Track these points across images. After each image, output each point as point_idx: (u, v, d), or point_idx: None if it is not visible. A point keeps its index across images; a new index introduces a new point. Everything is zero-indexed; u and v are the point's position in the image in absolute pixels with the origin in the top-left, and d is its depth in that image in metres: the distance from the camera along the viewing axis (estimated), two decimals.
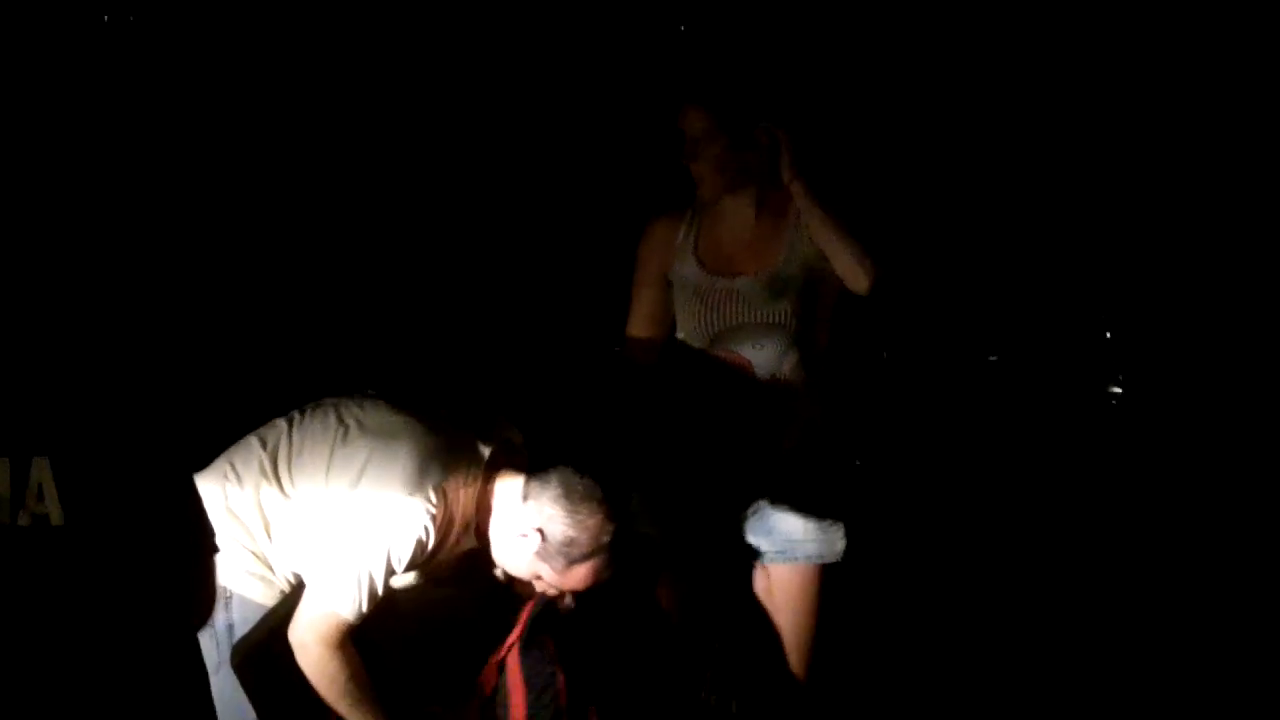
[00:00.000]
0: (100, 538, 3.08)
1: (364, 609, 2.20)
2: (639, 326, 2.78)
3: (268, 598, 2.34)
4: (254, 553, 2.32)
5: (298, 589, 2.31)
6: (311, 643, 2.21)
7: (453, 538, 2.31)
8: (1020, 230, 4.12)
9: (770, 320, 2.62)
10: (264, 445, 2.34)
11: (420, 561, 2.27)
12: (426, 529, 2.21)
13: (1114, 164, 4.07)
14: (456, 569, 2.45)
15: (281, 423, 2.38)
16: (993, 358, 4.17)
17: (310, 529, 2.27)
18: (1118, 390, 4.13)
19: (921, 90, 4.04)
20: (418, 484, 2.20)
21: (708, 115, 2.61)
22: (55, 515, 2.97)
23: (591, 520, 2.27)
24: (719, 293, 2.65)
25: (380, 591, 2.21)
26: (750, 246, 2.67)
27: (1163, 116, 4.02)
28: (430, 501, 2.21)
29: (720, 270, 2.67)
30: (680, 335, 2.76)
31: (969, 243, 4.19)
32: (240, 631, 2.32)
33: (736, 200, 2.66)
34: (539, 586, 2.40)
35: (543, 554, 2.30)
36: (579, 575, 2.33)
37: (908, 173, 4.07)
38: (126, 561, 3.05)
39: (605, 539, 2.29)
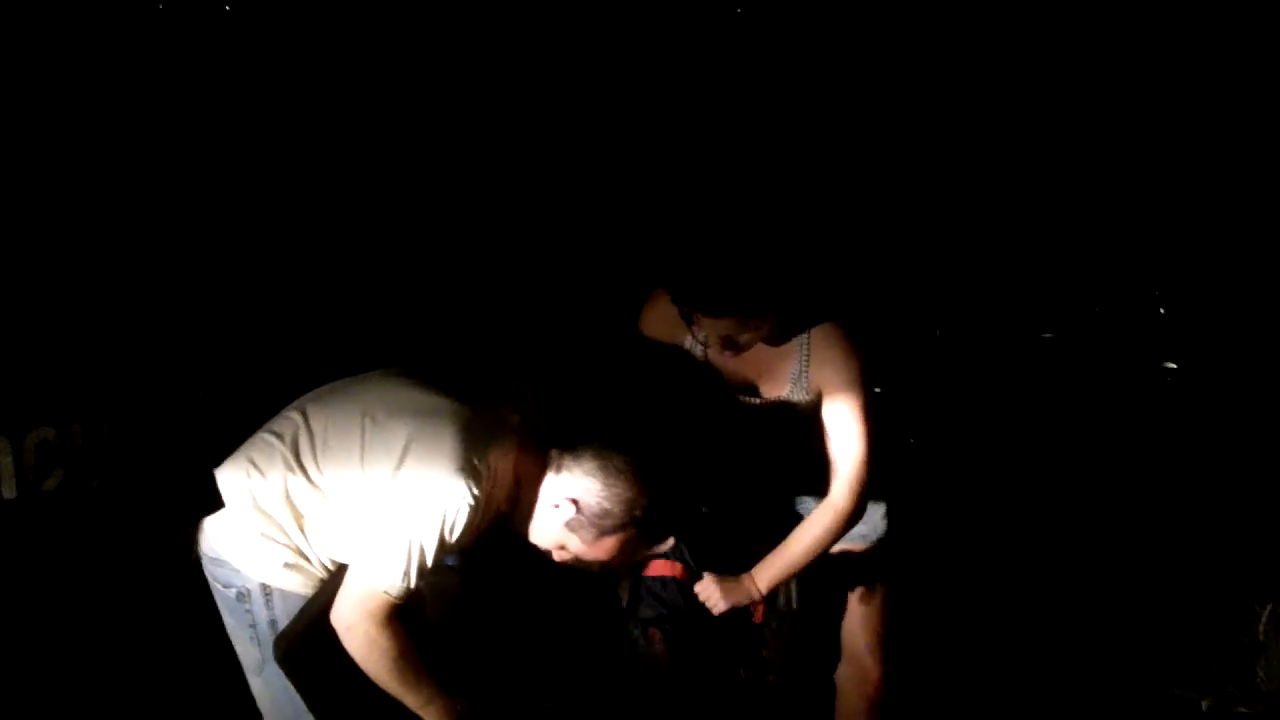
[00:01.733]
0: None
1: (411, 584, 2.18)
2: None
3: (307, 587, 2.29)
4: (287, 545, 2.28)
5: (336, 575, 2.28)
6: (359, 621, 2.18)
7: (493, 509, 2.29)
8: (1072, 206, 4.12)
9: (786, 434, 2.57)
10: (282, 439, 2.27)
11: (470, 537, 2.24)
12: (477, 501, 2.19)
13: (1168, 144, 4.06)
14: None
15: (294, 414, 2.31)
16: (1047, 335, 4.19)
17: (350, 515, 2.24)
18: (1172, 366, 4.14)
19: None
20: (465, 460, 2.16)
21: (735, 322, 2.39)
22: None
23: (628, 493, 2.26)
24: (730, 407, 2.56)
25: (429, 567, 2.18)
26: (756, 370, 2.53)
27: (1207, 94, 4.00)
28: (479, 476, 2.17)
29: (731, 382, 2.55)
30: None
31: (1021, 220, 4.20)
32: (284, 626, 2.28)
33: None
34: (558, 557, 2.35)
35: (574, 525, 2.28)
36: (607, 547, 2.31)
37: (957, 149, 4.09)
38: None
39: (638, 513, 2.28)
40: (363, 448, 2.23)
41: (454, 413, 2.23)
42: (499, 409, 2.31)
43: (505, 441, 2.27)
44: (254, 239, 3.36)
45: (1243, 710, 3.03)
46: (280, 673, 2.29)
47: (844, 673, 2.71)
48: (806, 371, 2.48)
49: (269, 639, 2.29)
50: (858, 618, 2.68)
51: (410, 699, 2.23)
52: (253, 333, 3.30)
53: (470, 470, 2.17)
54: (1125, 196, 4.19)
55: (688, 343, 2.50)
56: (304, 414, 2.32)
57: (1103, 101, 4.13)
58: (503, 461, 2.26)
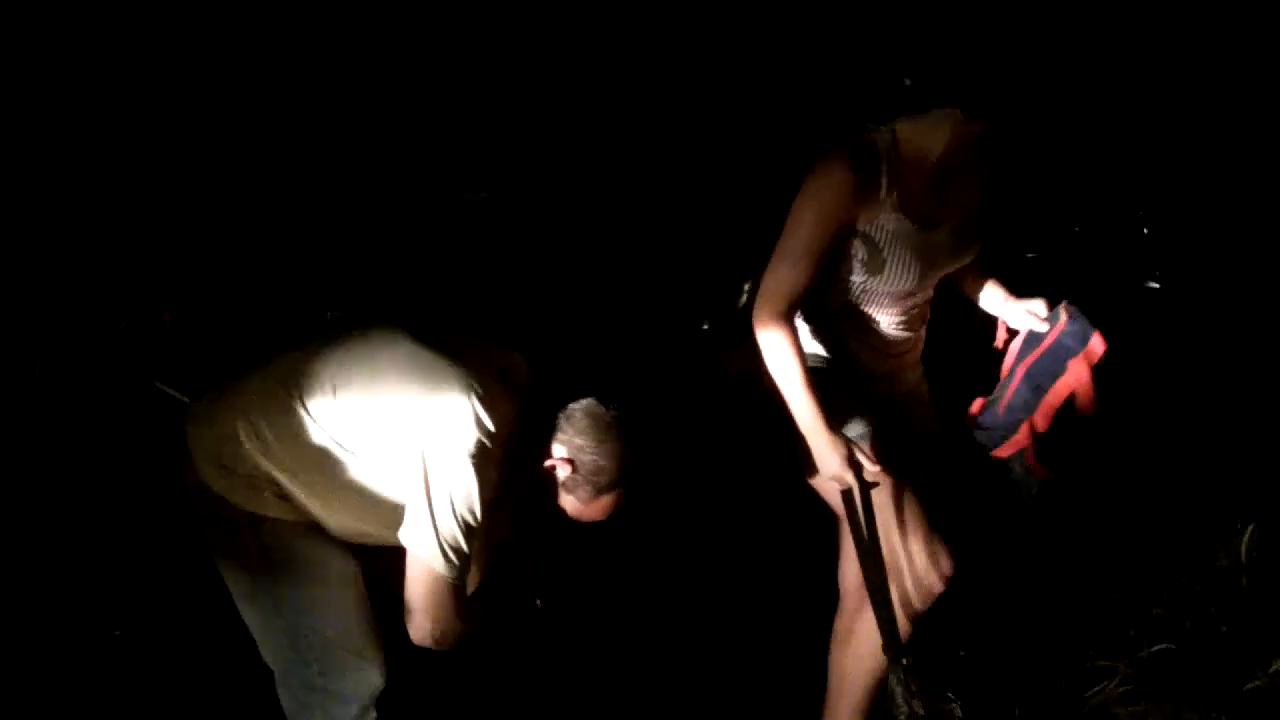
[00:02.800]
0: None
1: (467, 554, 2.21)
2: (794, 288, 2.54)
3: (297, 516, 2.33)
4: (278, 480, 2.29)
5: (329, 506, 2.32)
6: (431, 619, 2.24)
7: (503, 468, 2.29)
8: (1056, 127, 4.08)
9: (961, 267, 2.70)
10: (284, 384, 2.30)
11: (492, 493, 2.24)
12: (495, 451, 2.21)
13: (1151, 69, 4.02)
14: None
15: (295, 361, 2.33)
16: (1031, 255, 4.18)
17: (365, 468, 2.26)
18: (1154, 285, 4.14)
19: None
20: (478, 414, 2.20)
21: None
22: None
23: (619, 447, 2.28)
24: (924, 244, 2.59)
25: (477, 528, 2.21)
26: (945, 197, 2.60)
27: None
28: (493, 431, 2.21)
29: (923, 222, 2.58)
30: (851, 289, 2.64)
31: (1001, 142, 4.17)
32: (275, 555, 2.32)
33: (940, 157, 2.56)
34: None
35: (569, 484, 2.31)
36: (603, 505, 2.34)
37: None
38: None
39: (631, 466, 2.31)
40: (374, 402, 2.24)
41: (459, 369, 2.25)
42: (494, 368, 2.33)
43: (507, 401, 2.28)
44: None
45: (1224, 629, 3.08)
46: (272, 599, 2.33)
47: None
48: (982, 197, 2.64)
49: (261, 566, 2.32)
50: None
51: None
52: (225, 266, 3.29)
53: (484, 424, 2.19)
54: (1106, 114, 4.15)
55: (881, 191, 2.52)
56: (305, 361, 2.32)
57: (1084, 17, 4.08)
58: (507, 421, 2.27)
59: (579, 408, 2.32)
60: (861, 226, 2.54)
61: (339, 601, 2.36)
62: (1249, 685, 2.94)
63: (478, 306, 3.45)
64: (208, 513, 2.35)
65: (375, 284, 3.41)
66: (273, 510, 2.33)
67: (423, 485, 2.19)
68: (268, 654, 2.42)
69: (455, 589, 2.24)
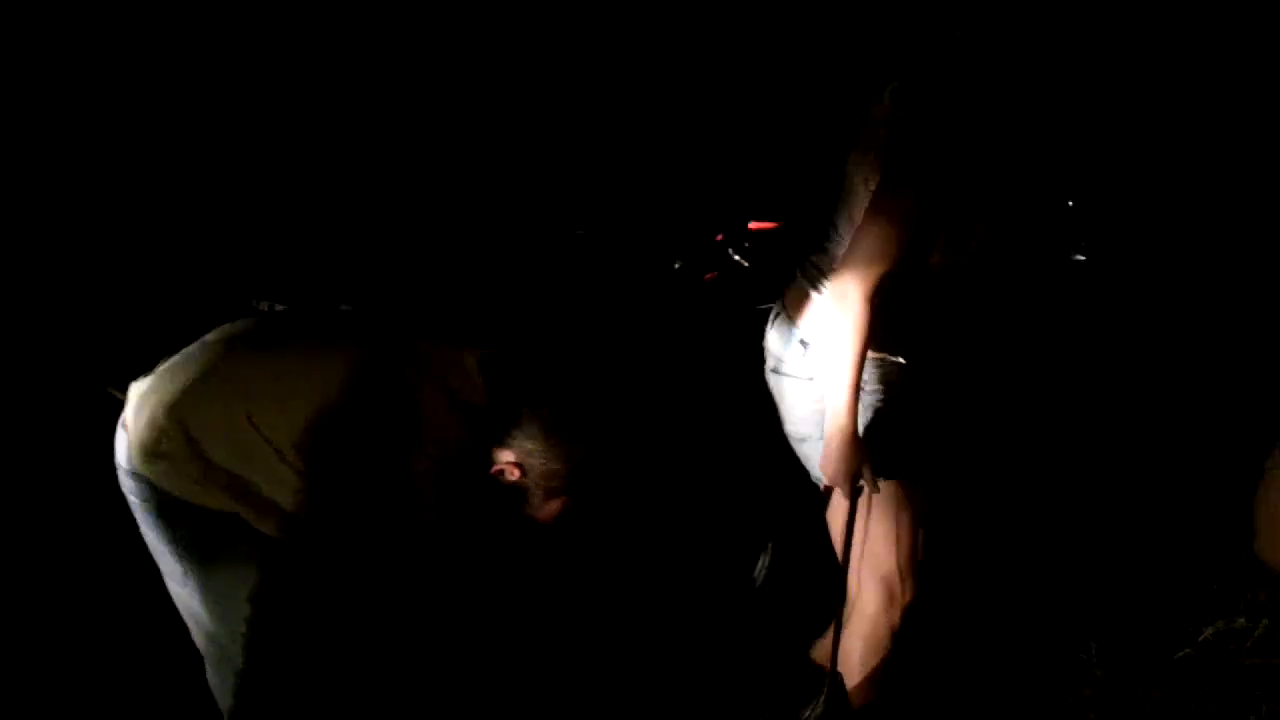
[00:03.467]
0: None
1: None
2: (896, 258, 2.25)
3: (223, 502, 2.30)
4: (203, 464, 2.26)
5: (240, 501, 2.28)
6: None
7: (443, 408, 2.25)
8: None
9: None
10: (214, 365, 2.30)
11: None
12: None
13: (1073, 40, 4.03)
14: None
15: (224, 342, 2.34)
16: None
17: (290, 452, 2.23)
18: (1081, 258, 4.15)
19: None
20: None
21: None
22: None
23: (570, 450, 2.25)
24: None
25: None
26: None
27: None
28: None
29: None
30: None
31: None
32: (206, 538, 2.28)
33: None
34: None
35: (521, 489, 2.30)
36: (553, 509, 2.33)
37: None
38: None
39: (582, 468, 2.27)
40: (295, 382, 2.24)
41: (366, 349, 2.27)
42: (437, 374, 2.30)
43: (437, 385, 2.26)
44: None
45: (1242, 622, 3.04)
46: (203, 582, 2.30)
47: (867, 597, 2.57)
48: None
49: (189, 551, 2.29)
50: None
51: None
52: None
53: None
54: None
55: None
56: (235, 343, 2.33)
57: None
58: (440, 407, 2.24)
59: (525, 411, 2.27)
60: None
61: (267, 588, 2.32)
62: (1180, 653, 2.93)
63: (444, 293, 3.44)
64: (141, 498, 2.32)
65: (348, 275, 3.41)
66: (206, 499, 2.29)
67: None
68: (197, 638, 2.40)
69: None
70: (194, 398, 2.27)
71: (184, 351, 2.37)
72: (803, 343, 2.42)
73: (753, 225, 4.50)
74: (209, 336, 2.39)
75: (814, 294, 2.41)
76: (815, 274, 2.42)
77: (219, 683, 2.40)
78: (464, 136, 3.77)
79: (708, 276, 4.37)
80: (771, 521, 3.50)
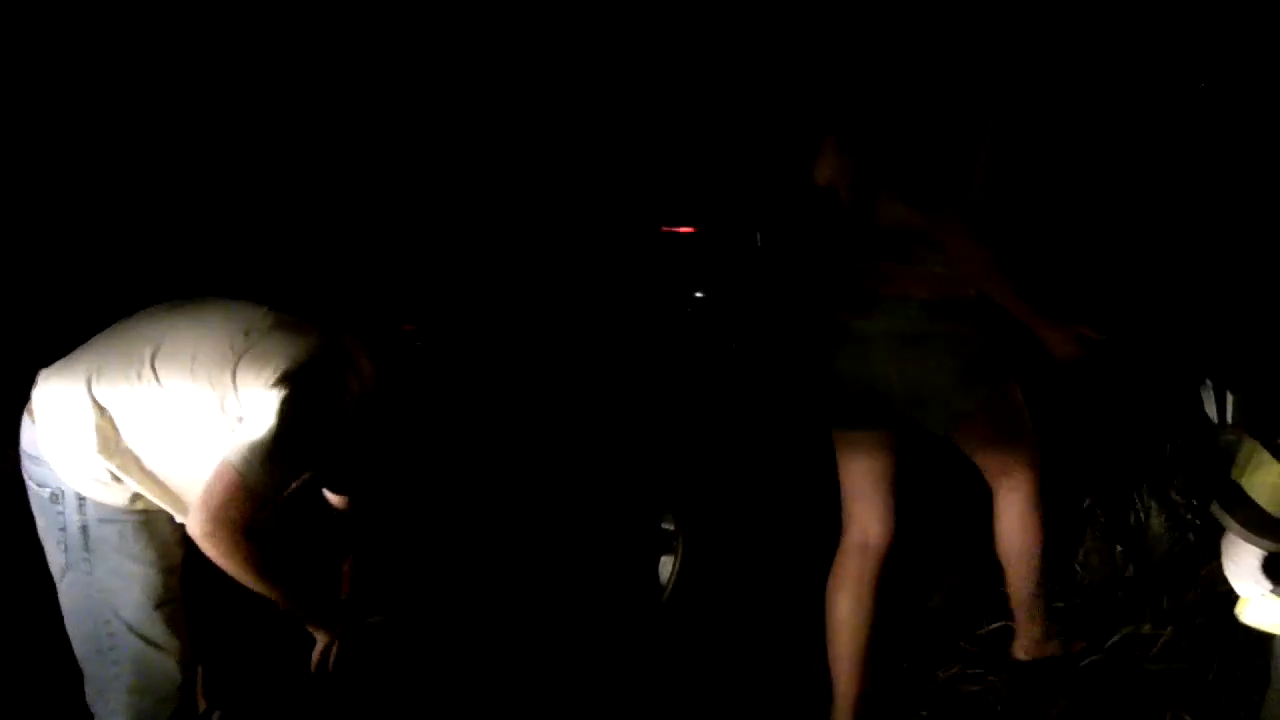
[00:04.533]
0: None
1: (274, 480, 2.20)
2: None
3: (120, 499, 2.30)
4: (105, 457, 2.26)
5: (155, 488, 2.29)
6: (219, 528, 2.18)
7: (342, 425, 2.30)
8: None
9: None
10: (123, 352, 2.28)
11: (337, 429, 2.27)
12: (328, 396, 2.24)
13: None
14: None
15: (134, 327, 2.32)
16: None
17: (194, 429, 2.23)
18: None
19: None
20: (308, 358, 2.23)
21: None
22: None
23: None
24: None
25: (292, 462, 2.22)
26: None
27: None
28: (324, 377, 2.24)
29: None
30: None
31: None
32: (97, 532, 2.28)
33: None
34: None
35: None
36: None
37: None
38: None
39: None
40: (235, 367, 2.22)
41: (315, 330, 2.30)
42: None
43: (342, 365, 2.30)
44: None
45: (1059, 605, 3.08)
46: (83, 579, 2.29)
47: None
48: None
49: (77, 544, 2.29)
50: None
51: (272, 594, 2.28)
52: None
53: (313, 368, 2.22)
54: None
55: None
56: (143, 327, 2.31)
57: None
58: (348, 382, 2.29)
59: None
60: None
61: (144, 588, 2.31)
62: (1086, 660, 2.94)
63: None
64: (38, 483, 2.33)
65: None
66: (95, 492, 2.29)
67: (258, 420, 2.19)
68: (72, 636, 2.37)
69: (251, 497, 2.18)
70: (104, 380, 2.25)
71: (94, 339, 2.35)
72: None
73: (665, 229, 4.47)
74: (120, 323, 2.36)
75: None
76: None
77: (90, 687, 2.35)
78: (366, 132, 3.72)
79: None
80: (677, 524, 3.47)
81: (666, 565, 3.52)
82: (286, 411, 2.17)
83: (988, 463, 2.72)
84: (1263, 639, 2.08)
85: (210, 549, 2.20)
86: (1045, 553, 2.79)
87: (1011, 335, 2.57)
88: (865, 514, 2.66)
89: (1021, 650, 2.92)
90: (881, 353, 2.55)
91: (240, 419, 2.20)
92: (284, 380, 2.18)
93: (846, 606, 2.64)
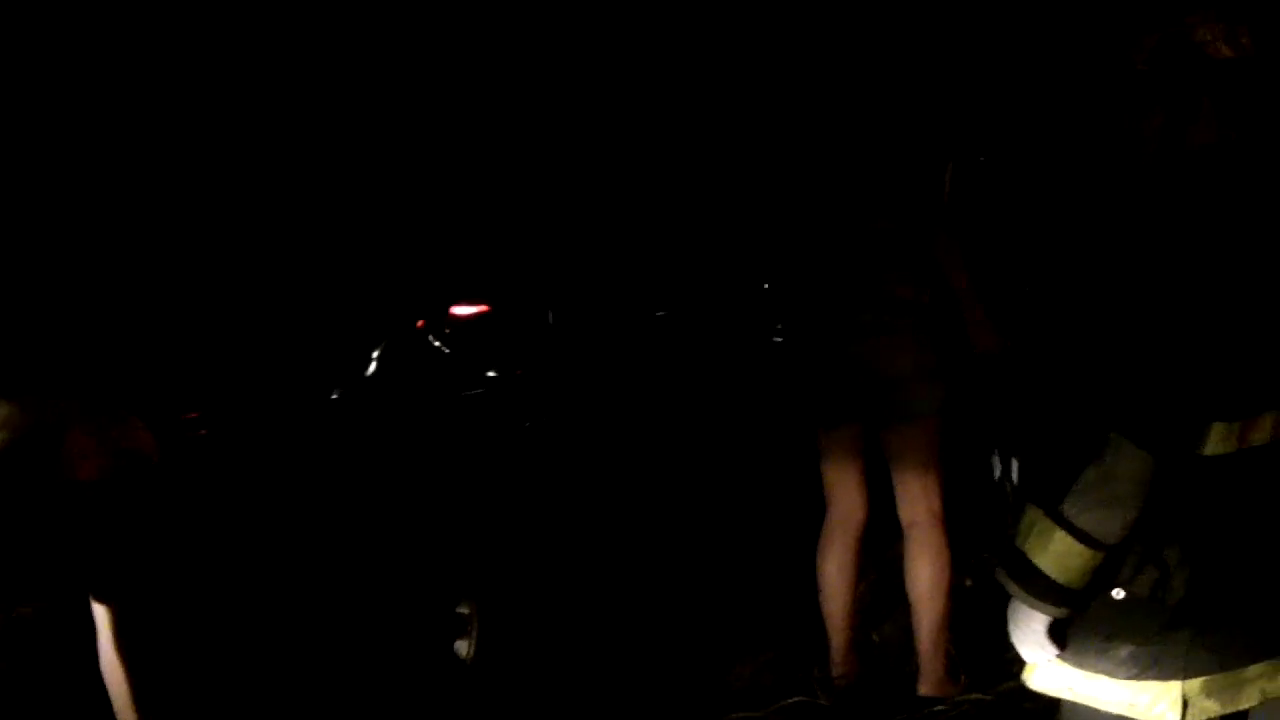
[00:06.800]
0: None
1: None
2: None
3: None
4: None
5: None
6: None
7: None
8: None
9: None
10: None
11: None
12: None
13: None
14: None
15: None
16: (660, 313, 4.27)
17: None
18: (779, 339, 4.31)
19: None
20: None
21: None
22: None
23: None
24: None
25: None
26: None
27: None
28: None
29: None
30: None
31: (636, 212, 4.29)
32: None
33: None
34: None
35: None
36: None
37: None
38: None
39: None
40: None
41: None
42: None
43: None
44: None
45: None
46: None
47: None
48: None
49: None
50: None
51: None
52: None
53: None
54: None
55: None
56: None
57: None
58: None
59: None
60: None
61: None
62: (1003, 685, 2.90)
63: None
64: None
65: None
66: None
67: None
68: None
69: None
70: None
71: None
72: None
73: (455, 311, 4.43)
74: None
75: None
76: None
77: None
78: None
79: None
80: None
81: (462, 648, 3.41)
82: None
83: (910, 480, 3.00)
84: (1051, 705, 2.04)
85: None
86: (953, 591, 3.00)
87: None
88: (845, 495, 3.04)
89: (927, 687, 2.98)
90: (868, 339, 2.91)
91: None
92: None
93: (834, 569, 3.03)
